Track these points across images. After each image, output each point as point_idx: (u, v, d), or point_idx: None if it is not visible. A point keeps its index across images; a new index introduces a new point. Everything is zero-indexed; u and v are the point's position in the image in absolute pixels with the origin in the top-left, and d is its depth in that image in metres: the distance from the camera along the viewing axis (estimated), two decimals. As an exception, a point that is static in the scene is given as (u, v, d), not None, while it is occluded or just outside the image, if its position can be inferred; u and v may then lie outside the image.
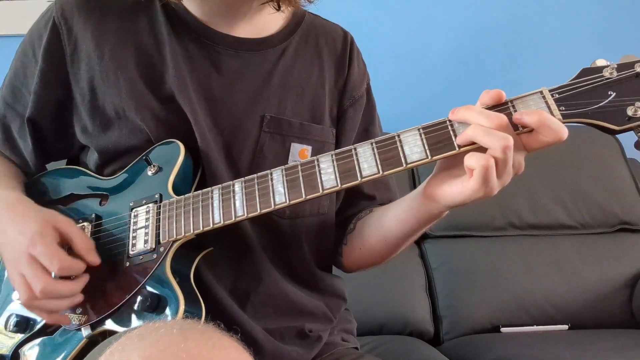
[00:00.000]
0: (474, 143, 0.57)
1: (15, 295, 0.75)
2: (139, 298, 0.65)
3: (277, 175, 0.65)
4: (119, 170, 0.77)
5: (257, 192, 0.65)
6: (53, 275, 0.65)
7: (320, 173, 0.63)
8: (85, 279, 0.68)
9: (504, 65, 1.94)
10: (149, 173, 0.73)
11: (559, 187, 1.66)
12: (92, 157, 0.79)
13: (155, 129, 0.74)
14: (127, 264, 0.69)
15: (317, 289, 0.84)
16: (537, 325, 1.52)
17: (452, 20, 1.93)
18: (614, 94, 0.51)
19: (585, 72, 0.53)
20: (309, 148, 0.79)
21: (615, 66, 0.52)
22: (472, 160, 0.56)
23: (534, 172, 1.62)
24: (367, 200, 0.87)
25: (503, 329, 1.51)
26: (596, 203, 1.66)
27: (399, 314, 1.51)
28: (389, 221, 0.77)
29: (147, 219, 0.70)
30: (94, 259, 0.69)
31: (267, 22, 0.81)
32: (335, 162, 0.63)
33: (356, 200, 0.87)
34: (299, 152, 0.79)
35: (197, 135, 0.73)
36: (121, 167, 0.77)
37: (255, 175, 0.67)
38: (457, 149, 0.58)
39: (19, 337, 0.73)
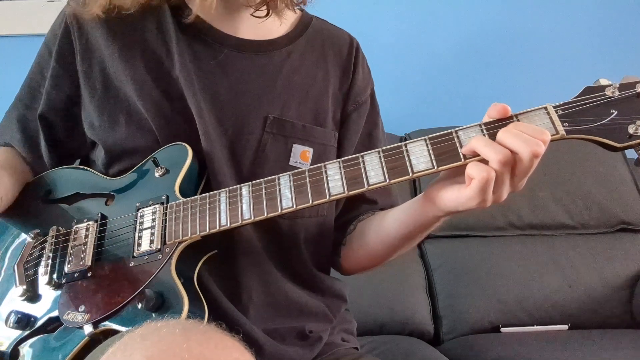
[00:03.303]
0: (477, 154, 0.59)
1: (14, 291, 0.75)
2: (142, 298, 0.65)
3: (285, 180, 0.67)
4: (125, 170, 0.78)
5: (264, 196, 0.67)
6: None
7: (327, 179, 0.65)
8: None
9: (506, 66, 1.95)
10: (156, 175, 0.74)
11: (559, 187, 1.67)
12: (99, 155, 0.81)
13: (161, 126, 0.75)
14: (132, 263, 0.70)
15: (317, 290, 0.85)
16: (537, 325, 1.53)
17: (455, 22, 1.94)
18: (616, 112, 0.53)
19: (588, 90, 0.56)
20: (311, 150, 0.81)
21: (618, 85, 0.54)
22: (473, 169, 0.59)
23: (534, 172, 1.62)
24: (368, 204, 0.89)
25: (503, 329, 1.52)
26: (596, 203, 1.66)
27: (399, 314, 1.52)
28: (389, 222, 0.78)
29: (153, 220, 0.71)
30: None
31: (273, 25, 0.82)
32: (342, 170, 0.64)
33: (357, 204, 0.89)
34: (301, 153, 0.80)
35: (201, 134, 0.75)
36: (127, 167, 0.78)
37: (262, 179, 0.68)
38: (462, 160, 0.60)
39: (19, 333, 0.73)
